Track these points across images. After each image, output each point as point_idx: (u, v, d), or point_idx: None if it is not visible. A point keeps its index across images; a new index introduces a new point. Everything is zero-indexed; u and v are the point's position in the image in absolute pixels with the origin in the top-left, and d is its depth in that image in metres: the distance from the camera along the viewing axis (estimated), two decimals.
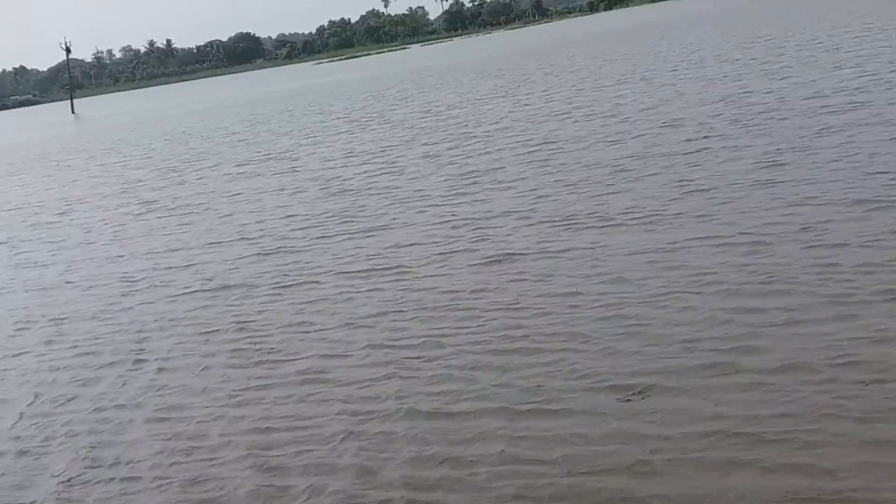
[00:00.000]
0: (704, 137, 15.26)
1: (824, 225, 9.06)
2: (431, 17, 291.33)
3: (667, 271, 8.51)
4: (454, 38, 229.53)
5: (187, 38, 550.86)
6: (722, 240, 9.17)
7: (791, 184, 10.96)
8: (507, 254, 10.11)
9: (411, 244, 11.38)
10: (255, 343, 8.46)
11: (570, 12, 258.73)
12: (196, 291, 10.76)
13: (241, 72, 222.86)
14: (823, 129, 14.15)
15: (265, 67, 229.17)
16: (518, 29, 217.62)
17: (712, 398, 5.83)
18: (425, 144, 21.26)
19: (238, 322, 9.22)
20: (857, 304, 6.95)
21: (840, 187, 10.37)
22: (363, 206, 14.60)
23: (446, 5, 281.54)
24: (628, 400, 5.97)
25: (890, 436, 5.01)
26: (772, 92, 19.44)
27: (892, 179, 10.33)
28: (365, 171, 18.48)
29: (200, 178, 22.09)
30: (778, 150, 13.13)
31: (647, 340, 6.93)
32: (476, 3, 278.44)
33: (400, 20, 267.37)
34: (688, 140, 15.25)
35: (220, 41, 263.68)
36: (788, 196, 10.41)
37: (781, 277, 7.79)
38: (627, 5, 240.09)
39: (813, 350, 6.26)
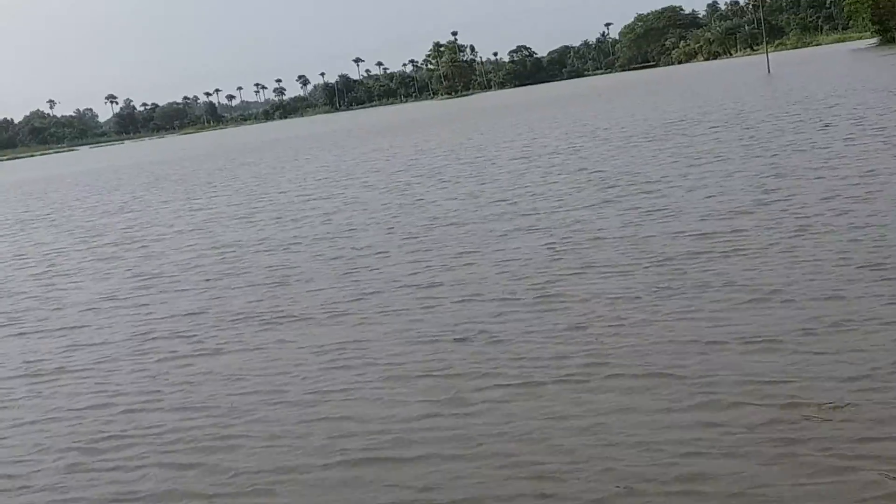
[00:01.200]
0: (364, 247, 15.87)
1: (478, 324, 9.78)
2: (101, 119, 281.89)
3: (359, 366, 8.81)
4: (125, 141, 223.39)
5: None
6: (405, 336, 9.63)
7: (449, 286, 11.69)
8: (193, 353, 10.04)
9: (93, 344, 11.02)
10: None
11: (245, 119, 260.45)
12: None
13: None
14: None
15: None
16: (192, 134, 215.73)
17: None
18: (97, 247, 20.55)
19: None
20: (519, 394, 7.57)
21: (493, 290, 11.21)
22: (29, 308, 13.90)
23: (117, 108, 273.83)
24: None
25: None
26: (443, 203, 20.62)
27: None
28: (34, 275, 17.57)
29: None
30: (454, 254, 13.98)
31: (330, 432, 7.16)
32: (148, 107, 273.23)
33: (67, 122, 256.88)
34: (359, 248, 15.82)
35: None
36: (447, 297, 11.12)
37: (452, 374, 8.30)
38: (302, 115, 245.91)
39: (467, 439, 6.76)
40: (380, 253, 14.80)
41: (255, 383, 8.69)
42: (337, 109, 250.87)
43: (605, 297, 10.09)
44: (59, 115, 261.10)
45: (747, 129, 26.91)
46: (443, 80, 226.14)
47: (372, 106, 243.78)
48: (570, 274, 11.45)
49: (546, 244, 13.58)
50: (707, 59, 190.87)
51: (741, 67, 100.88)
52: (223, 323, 11.34)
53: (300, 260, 15.16)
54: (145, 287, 14.60)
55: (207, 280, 14.48)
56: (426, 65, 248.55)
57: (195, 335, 10.89)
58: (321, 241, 16.89)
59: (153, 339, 11.01)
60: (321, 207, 22.43)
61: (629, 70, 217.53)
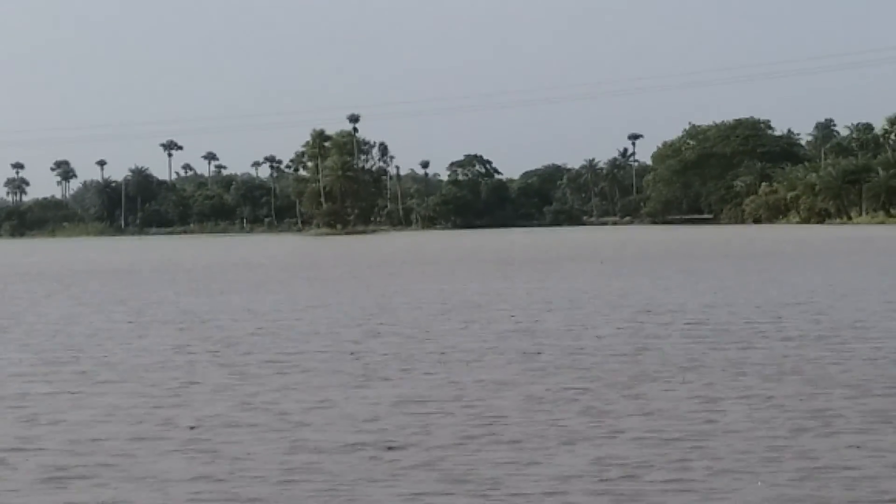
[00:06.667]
0: None
1: None
2: None
3: None
4: None
5: None
6: None
7: None
8: None
9: None
10: None
11: None
12: None
13: None
14: None
15: None
16: None
17: None
18: None
19: None
20: None
21: None
22: None
23: None
24: None
25: None
26: None
27: None
28: None
29: None
30: None
31: None
32: None
33: None
34: None
35: None
36: None
37: None
38: (54, 232, 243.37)
39: None
40: None
41: None
42: (121, 229, 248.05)
43: None
44: None
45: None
46: (322, 198, 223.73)
47: (185, 231, 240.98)
48: None
49: None
50: (804, 221, 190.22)
51: (861, 245, 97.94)
52: None
53: None
54: None
55: None
56: (298, 168, 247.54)
57: None
58: None
59: None
60: None
61: (665, 223, 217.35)
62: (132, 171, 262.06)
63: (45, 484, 16.34)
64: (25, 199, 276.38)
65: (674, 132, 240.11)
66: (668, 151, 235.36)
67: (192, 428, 19.93)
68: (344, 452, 17.87)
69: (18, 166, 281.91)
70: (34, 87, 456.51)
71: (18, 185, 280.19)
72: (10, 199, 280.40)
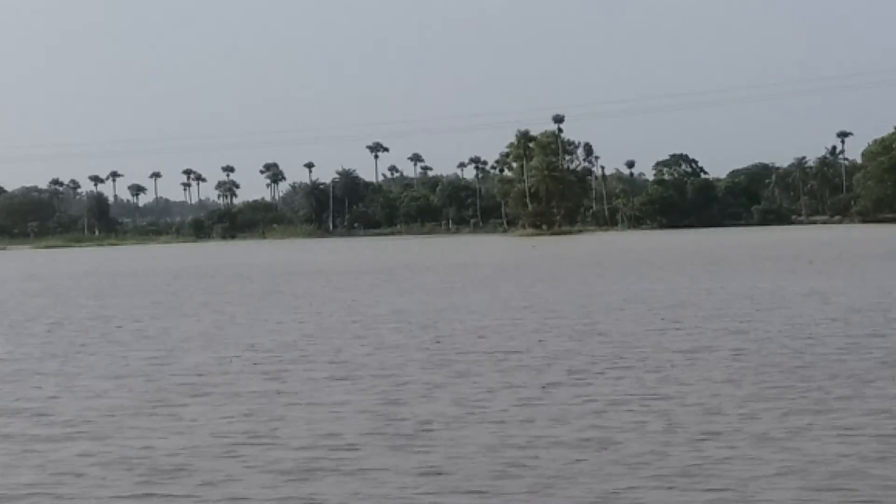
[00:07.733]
0: None
1: None
2: None
3: None
4: None
5: None
6: None
7: None
8: None
9: None
10: None
11: (158, 232, 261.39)
12: None
13: None
14: None
15: None
16: (56, 248, 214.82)
17: None
18: None
19: None
20: None
21: None
22: None
23: None
24: None
25: None
26: None
27: None
28: None
29: None
30: None
31: None
32: None
33: None
34: None
35: None
36: None
37: None
38: (264, 234, 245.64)
39: None
40: None
41: None
42: (329, 231, 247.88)
43: None
44: None
45: None
46: (528, 199, 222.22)
47: (392, 232, 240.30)
48: None
49: None
50: None
51: None
52: None
53: None
54: None
55: None
56: (501, 169, 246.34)
57: None
58: None
59: None
60: None
61: (876, 222, 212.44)
62: (339, 172, 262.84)
63: (276, 477, 16.81)
64: (236, 201, 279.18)
65: (885, 129, 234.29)
66: (878, 149, 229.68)
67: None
68: (554, 448, 17.75)
69: (229, 169, 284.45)
70: (246, 91, 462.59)
71: (229, 187, 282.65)
72: (220, 201, 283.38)
